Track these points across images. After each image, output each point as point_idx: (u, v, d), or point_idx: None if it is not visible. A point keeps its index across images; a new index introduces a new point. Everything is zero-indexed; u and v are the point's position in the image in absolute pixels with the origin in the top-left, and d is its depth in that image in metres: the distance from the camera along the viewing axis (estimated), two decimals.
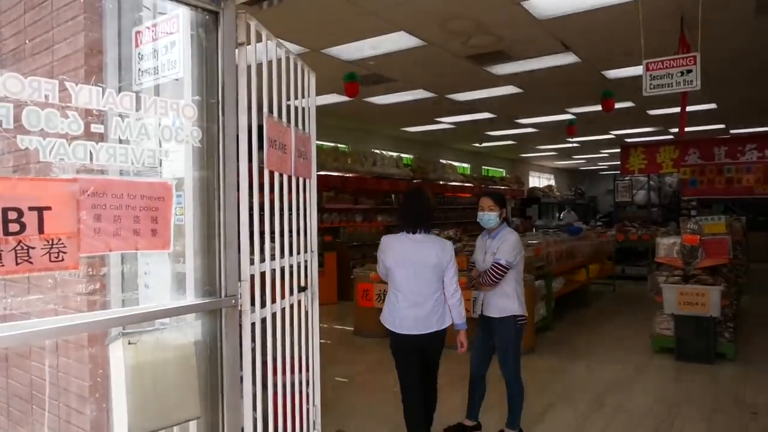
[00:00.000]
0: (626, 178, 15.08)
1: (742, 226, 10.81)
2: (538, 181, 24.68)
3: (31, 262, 1.50)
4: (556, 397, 4.80)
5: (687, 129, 12.02)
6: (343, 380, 5.34)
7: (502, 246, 3.73)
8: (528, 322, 6.04)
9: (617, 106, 9.30)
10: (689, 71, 4.68)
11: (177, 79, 2.06)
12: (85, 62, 2.12)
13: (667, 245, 6.20)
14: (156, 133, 1.82)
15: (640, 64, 5.04)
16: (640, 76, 5.08)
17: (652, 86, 4.87)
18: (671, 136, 15.02)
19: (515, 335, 3.79)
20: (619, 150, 14.83)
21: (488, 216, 3.79)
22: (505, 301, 3.76)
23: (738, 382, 5.13)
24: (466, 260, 7.03)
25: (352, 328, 7.38)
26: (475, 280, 3.94)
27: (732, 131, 14.27)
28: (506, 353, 3.80)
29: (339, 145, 12.31)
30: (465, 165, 18.49)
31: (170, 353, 1.87)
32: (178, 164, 2.04)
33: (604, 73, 8.22)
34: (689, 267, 5.95)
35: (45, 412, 2.23)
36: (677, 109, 9.72)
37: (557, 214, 19.49)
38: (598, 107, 9.16)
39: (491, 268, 3.73)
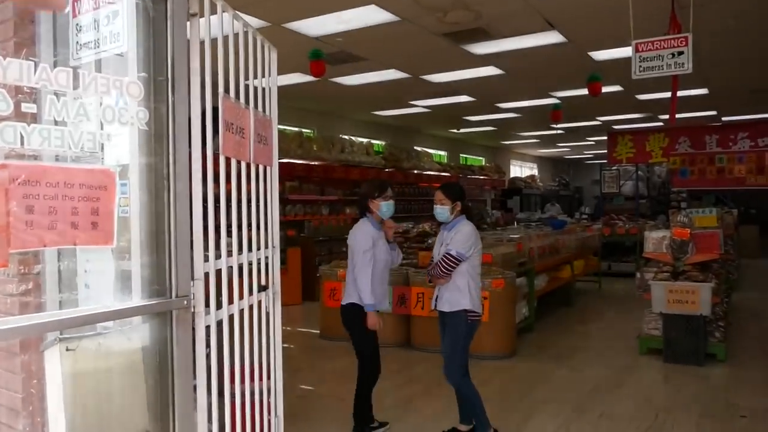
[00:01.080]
0: (613, 168, 15.35)
1: (733, 219, 11.13)
2: (520, 170, 24.98)
3: None
4: (538, 402, 4.89)
5: (677, 116, 12.28)
6: (308, 388, 5.33)
7: (455, 237, 3.94)
8: (509, 323, 6.17)
9: (605, 90, 9.47)
10: (680, 53, 4.79)
11: (120, 54, 2.01)
12: (15, 34, 2.05)
13: (656, 239, 6.35)
14: (97, 113, 1.77)
15: (629, 45, 5.13)
16: (629, 58, 5.17)
17: (641, 69, 4.97)
18: (661, 123, 15.35)
19: (465, 331, 3.95)
20: (605, 137, 15.08)
21: (440, 210, 4.07)
22: (457, 295, 3.94)
23: (729, 384, 5.30)
24: None
25: (318, 331, 7.37)
26: (428, 273, 4.13)
27: (724, 119, 14.65)
28: (453, 351, 3.96)
29: (304, 130, 12.23)
30: (441, 153, 18.58)
31: (114, 360, 1.84)
32: (122, 149, 1.99)
33: (591, 54, 8.35)
34: (679, 263, 6.11)
35: None
36: (667, 94, 9.93)
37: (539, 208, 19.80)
38: (585, 91, 9.31)
39: (441, 258, 3.93)
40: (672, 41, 4.85)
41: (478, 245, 3.99)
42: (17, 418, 2.04)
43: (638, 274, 6.78)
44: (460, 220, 4.02)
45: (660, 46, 4.88)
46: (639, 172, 15.16)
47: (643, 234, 6.81)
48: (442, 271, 3.90)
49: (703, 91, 11.11)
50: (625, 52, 7.78)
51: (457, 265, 3.89)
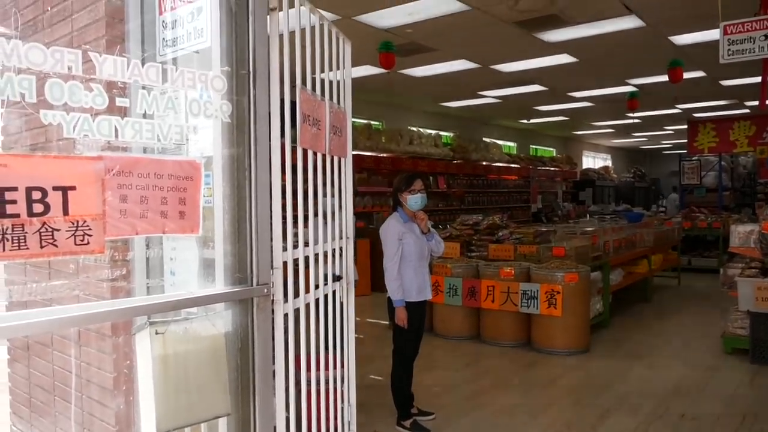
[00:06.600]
0: (694, 158, 14.61)
1: None
2: (592, 161, 24.23)
3: (55, 245, 1.54)
4: (615, 400, 4.74)
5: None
6: (378, 378, 5.38)
7: None
8: (583, 318, 6.01)
9: (686, 76, 9.03)
10: None
11: (203, 49, 2.08)
12: (107, 32, 2.15)
13: (743, 234, 6.02)
14: (184, 107, 1.83)
15: (715, 28, 4.88)
16: (713, 42, 4.94)
17: (730, 52, 4.71)
18: (747, 110, 14.49)
19: None
20: (686, 126, 14.38)
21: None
22: None
23: None
24: (513, 249, 6.98)
25: (387, 323, 7.42)
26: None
27: None
28: None
29: (372, 122, 12.30)
30: (511, 144, 18.27)
31: (200, 345, 1.91)
32: (206, 141, 2.06)
33: (672, 38, 7.97)
34: None
35: (70, 405, 2.31)
36: (756, 79, 9.36)
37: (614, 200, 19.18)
38: (665, 78, 8.91)
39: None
40: (765, 22, 4.56)
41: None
42: (109, 396, 2.16)
43: (722, 270, 6.45)
44: None
45: (751, 27, 4.61)
46: (722, 163, 14.38)
47: (725, 228, 6.47)
48: None
49: None
50: (709, 35, 7.41)
51: None
